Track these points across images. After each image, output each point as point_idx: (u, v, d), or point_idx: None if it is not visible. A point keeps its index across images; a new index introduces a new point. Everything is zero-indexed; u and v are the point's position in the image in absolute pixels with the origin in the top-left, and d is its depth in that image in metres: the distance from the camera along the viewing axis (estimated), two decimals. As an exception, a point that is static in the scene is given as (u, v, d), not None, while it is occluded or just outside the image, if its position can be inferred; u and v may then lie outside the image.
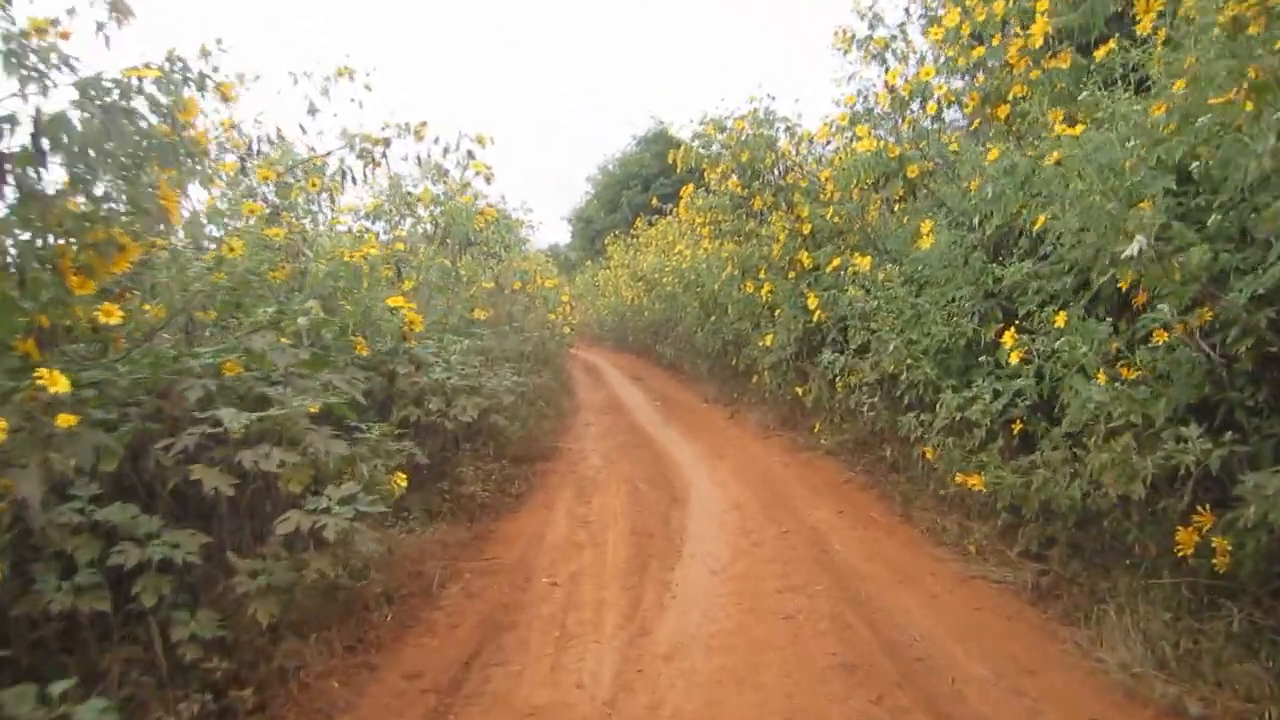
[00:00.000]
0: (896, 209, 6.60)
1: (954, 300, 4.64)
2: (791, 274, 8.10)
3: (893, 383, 5.37)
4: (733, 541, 4.68)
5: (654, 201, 10.20)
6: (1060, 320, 3.53)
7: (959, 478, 4.22)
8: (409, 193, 9.46)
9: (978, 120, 5.63)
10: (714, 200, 8.57)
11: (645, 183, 28.58)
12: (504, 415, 6.00)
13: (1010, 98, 5.00)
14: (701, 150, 8.04)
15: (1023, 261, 4.16)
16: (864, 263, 6.20)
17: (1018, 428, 3.89)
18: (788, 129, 8.11)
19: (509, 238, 9.37)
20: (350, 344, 4.69)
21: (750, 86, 8.87)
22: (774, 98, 8.10)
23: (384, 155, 6.41)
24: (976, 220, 4.76)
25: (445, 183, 9.07)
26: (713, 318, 10.83)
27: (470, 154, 5.28)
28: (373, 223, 8.54)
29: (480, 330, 7.18)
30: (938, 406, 4.54)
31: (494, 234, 9.54)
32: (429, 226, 9.97)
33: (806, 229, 7.77)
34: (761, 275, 8.47)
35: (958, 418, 4.31)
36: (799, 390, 6.94)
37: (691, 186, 9.59)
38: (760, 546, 4.58)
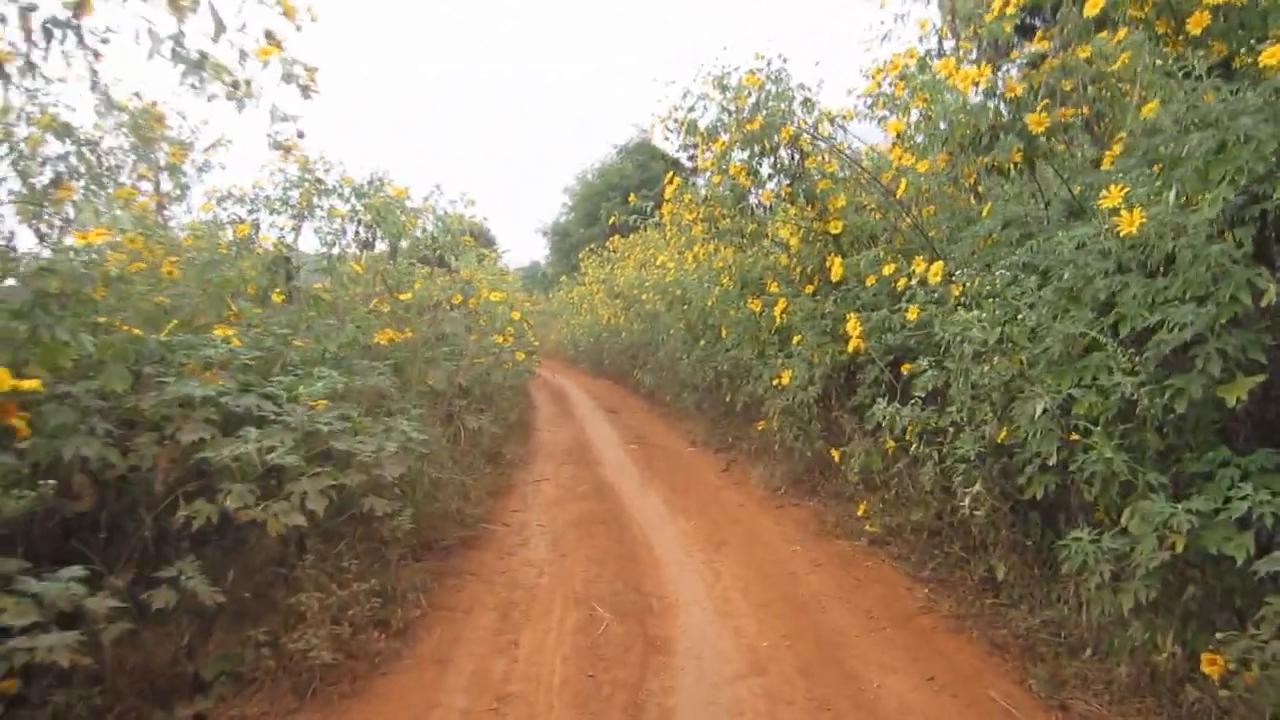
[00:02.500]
0: (1005, 185, 4.58)
1: (1169, 329, 2.59)
2: (809, 288, 6.08)
3: (1008, 459, 3.36)
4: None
5: (631, 199, 8.15)
6: None
7: (1206, 662, 2.22)
8: (319, 179, 7.45)
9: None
10: (710, 190, 6.53)
11: (625, 194, 26.61)
12: (386, 496, 3.90)
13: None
14: (694, 117, 6.00)
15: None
16: (933, 271, 4.21)
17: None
18: (805, 102, 6.10)
19: (448, 240, 7.30)
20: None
21: (758, 47, 6.77)
22: (786, 60, 6.11)
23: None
24: (1177, 191, 2.73)
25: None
26: (702, 342, 8.79)
27: (269, 35, 3.12)
28: (255, 212, 6.49)
29: (386, 362, 5.11)
30: (1129, 519, 2.51)
31: (442, 237, 7.50)
32: (352, 225, 7.95)
33: (836, 228, 5.75)
34: (772, 289, 6.45)
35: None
36: (832, 452, 4.86)
37: (675, 179, 7.57)
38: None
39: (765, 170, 6.25)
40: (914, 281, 4.42)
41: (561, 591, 4.13)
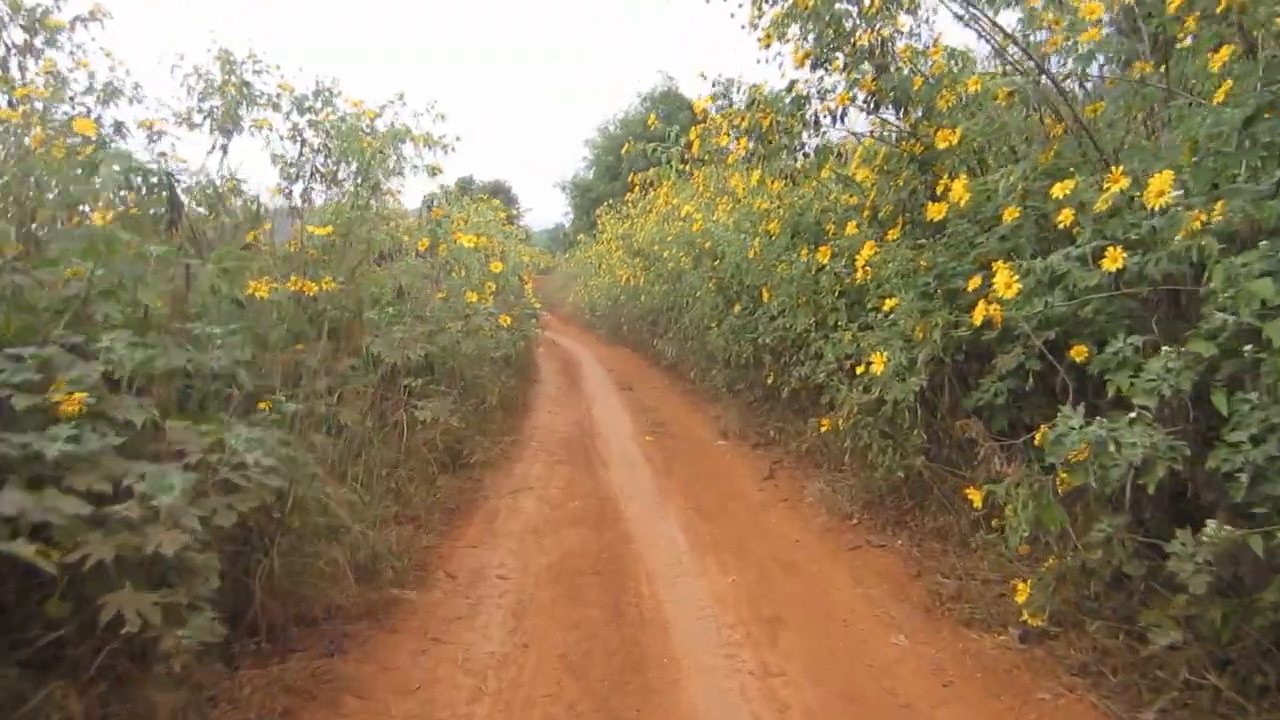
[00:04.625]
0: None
1: None
2: (893, 232, 4.21)
3: None
4: None
5: (652, 123, 6.33)
6: None
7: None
8: (246, 82, 5.86)
9: None
10: (759, 95, 4.63)
11: (651, 145, 24.50)
12: (178, 578, 2.15)
13: None
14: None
15: None
16: (1157, 187, 2.41)
17: None
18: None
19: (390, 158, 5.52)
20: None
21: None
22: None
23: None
24: None
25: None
26: (737, 307, 6.96)
27: None
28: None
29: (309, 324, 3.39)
30: None
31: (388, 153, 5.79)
32: (294, 145, 6.25)
33: (949, 139, 3.87)
34: (849, 231, 4.60)
35: None
36: (969, 494, 2.95)
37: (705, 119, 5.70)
38: None
39: (839, 61, 4.37)
40: (1109, 204, 2.60)
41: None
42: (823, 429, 4.49)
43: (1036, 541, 2.80)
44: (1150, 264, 2.53)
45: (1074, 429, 2.22)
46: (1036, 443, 2.84)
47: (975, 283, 3.26)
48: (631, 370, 11.74)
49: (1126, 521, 2.34)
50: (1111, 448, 2.14)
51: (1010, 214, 3.25)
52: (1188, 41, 3.21)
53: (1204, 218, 2.40)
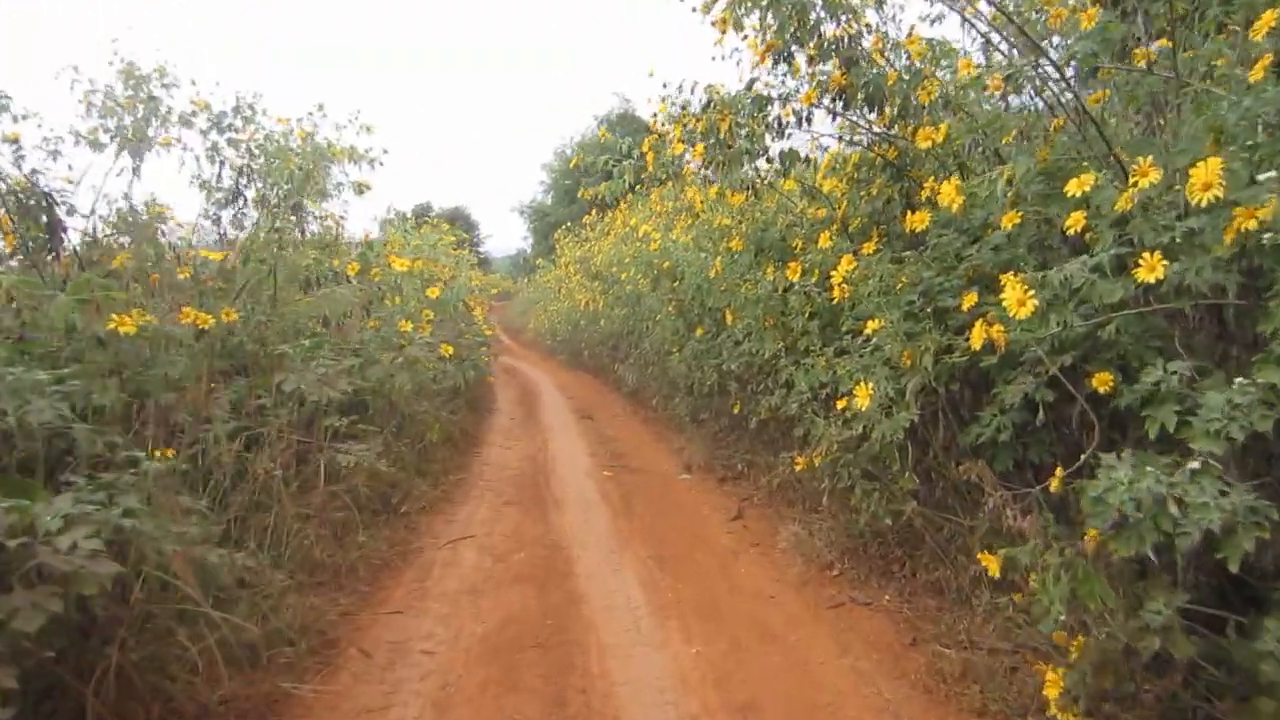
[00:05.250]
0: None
1: None
2: (868, 245, 3.75)
3: None
4: None
5: (603, 136, 5.86)
6: None
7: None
8: (154, 97, 5.36)
9: None
10: (716, 95, 4.17)
11: (607, 167, 24.10)
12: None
13: None
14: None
15: None
16: (1204, 174, 1.94)
17: None
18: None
19: (311, 175, 4.98)
20: None
21: None
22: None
23: None
24: None
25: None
26: (699, 331, 6.48)
27: None
28: None
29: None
30: None
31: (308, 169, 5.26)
32: (213, 166, 5.74)
33: (930, 139, 3.43)
34: (806, 250, 4.15)
35: None
36: (984, 560, 2.42)
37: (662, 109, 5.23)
38: None
39: (800, 59, 3.93)
40: (1132, 204, 2.15)
41: None
42: (797, 468, 3.99)
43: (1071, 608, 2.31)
44: (1192, 273, 2.08)
45: (1121, 484, 1.74)
46: (1053, 489, 2.37)
47: (970, 300, 2.81)
48: (592, 398, 11.19)
49: (1187, 600, 1.86)
50: (1173, 508, 1.66)
51: (1010, 220, 2.81)
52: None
53: (1260, 215, 1.96)
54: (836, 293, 3.37)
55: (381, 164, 5.08)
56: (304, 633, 3.04)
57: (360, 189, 5.20)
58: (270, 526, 3.54)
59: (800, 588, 3.72)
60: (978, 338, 2.61)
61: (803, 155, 4.17)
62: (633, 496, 5.61)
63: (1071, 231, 2.55)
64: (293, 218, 5.15)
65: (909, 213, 3.64)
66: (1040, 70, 2.95)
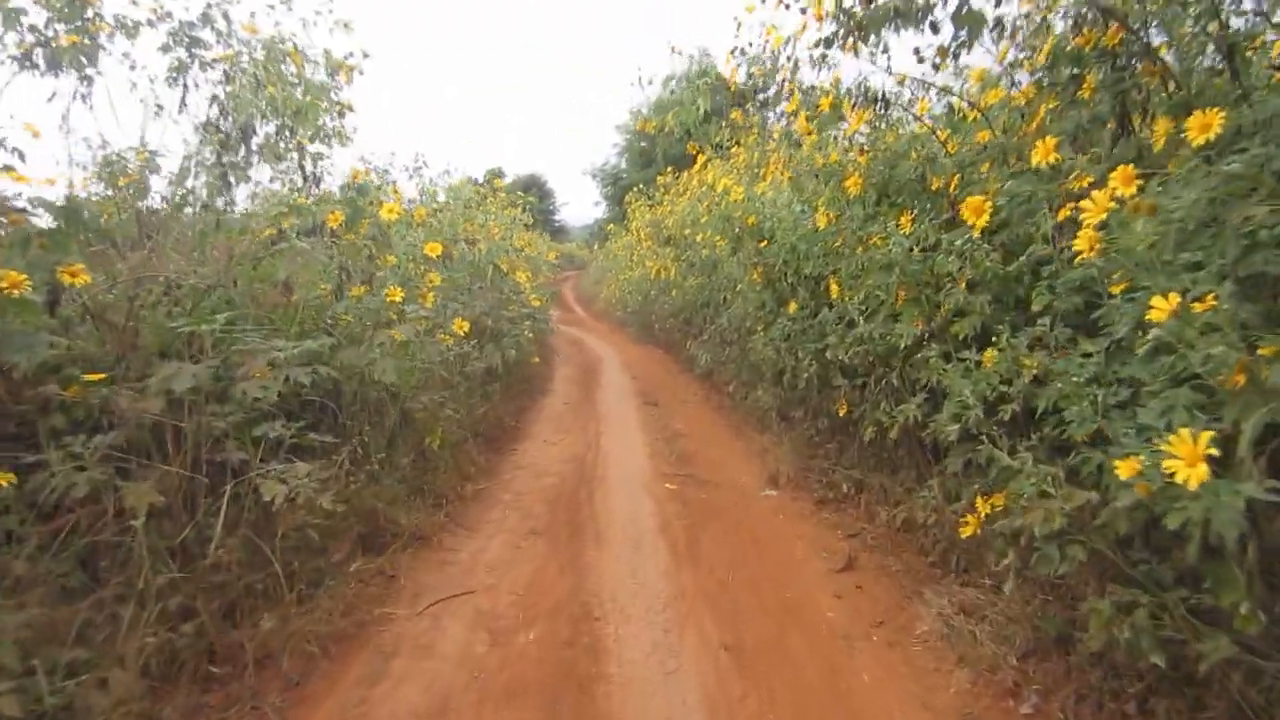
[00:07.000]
0: None
1: None
2: (1124, 171, 2.21)
3: None
4: None
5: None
6: None
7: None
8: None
9: None
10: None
11: (685, 129, 22.47)
12: None
13: None
14: None
15: None
16: None
17: None
18: None
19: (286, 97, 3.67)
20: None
21: None
22: None
23: None
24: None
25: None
26: (793, 306, 4.99)
27: None
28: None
29: None
30: None
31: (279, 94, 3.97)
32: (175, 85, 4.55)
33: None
34: (964, 188, 2.63)
35: None
36: None
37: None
38: None
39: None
40: None
41: None
42: (964, 533, 2.49)
43: None
44: None
45: None
46: None
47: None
48: (659, 378, 9.79)
49: None
50: None
51: None
52: None
53: None
54: (1087, 248, 1.83)
55: (361, 72, 3.76)
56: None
57: (342, 111, 3.90)
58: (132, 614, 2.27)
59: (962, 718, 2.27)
60: None
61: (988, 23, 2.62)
62: (700, 526, 4.20)
63: None
64: (257, 153, 3.87)
65: (1168, 119, 2.11)
66: None
